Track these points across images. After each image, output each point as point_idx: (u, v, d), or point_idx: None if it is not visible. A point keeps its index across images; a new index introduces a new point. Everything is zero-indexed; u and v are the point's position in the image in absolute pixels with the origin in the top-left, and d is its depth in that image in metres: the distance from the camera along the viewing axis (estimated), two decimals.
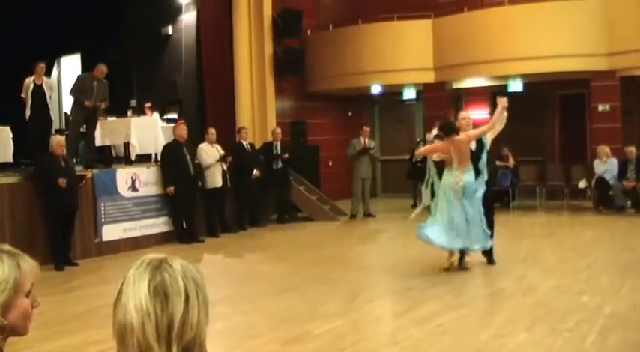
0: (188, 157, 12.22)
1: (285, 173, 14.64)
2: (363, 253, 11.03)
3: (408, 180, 16.95)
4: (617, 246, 10.28)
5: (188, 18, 15.85)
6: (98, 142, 12.62)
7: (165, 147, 12.27)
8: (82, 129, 11.89)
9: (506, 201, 15.89)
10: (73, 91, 11.67)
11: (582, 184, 15.05)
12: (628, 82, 15.34)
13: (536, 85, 16.67)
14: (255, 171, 13.70)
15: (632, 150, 14.33)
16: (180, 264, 1.65)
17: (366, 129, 15.52)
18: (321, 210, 14.97)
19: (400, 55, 16.58)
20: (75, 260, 10.26)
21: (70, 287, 8.66)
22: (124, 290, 1.60)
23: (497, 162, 15.93)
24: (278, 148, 14.54)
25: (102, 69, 11.56)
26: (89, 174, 10.99)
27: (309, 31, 17.82)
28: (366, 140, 15.30)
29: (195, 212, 12.38)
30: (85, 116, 11.64)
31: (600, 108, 14.96)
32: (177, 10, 15.91)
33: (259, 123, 15.55)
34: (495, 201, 16.23)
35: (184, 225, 12.22)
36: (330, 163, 18.10)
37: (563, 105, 17.32)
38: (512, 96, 17.16)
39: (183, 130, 12.29)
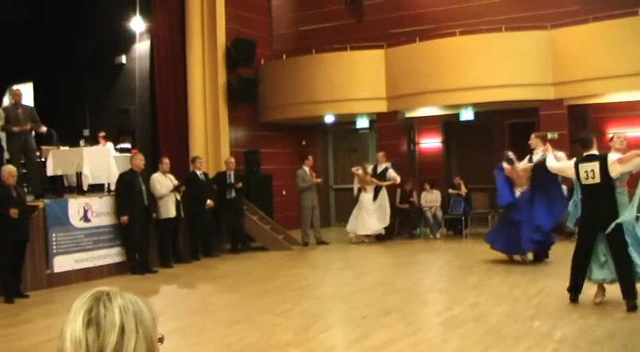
0: (143, 187, 12.13)
1: (239, 202, 14.59)
2: (316, 282, 10.98)
3: None
4: (567, 272, 10.31)
5: (142, 47, 15.80)
6: (50, 172, 12.47)
7: (121, 177, 12.13)
8: (22, 160, 11.62)
9: (459, 229, 16.10)
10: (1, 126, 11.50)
11: None
12: (575, 110, 15.58)
13: (487, 113, 16.88)
14: (208, 201, 13.64)
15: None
16: (124, 298, 1.66)
17: (311, 158, 15.91)
18: (274, 240, 14.92)
19: (353, 85, 16.64)
20: (25, 292, 10.04)
21: (19, 320, 8.47)
22: (66, 321, 1.62)
23: (450, 191, 16.15)
24: (232, 178, 14.50)
25: (17, 92, 11.63)
26: (41, 204, 10.84)
27: (262, 61, 17.87)
28: (311, 171, 15.61)
29: (148, 242, 12.25)
30: (20, 145, 11.39)
31: (549, 136, 15.13)
32: (130, 39, 15.85)
33: (213, 153, 15.48)
34: (448, 229, 16.49)
35: (137, 256, 12.10)
36: (284, 192, 18.10)
37: (513, 133, 17.55)
38: (464, 125, 17.57)
39: (140, 160, 12.20)
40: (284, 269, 12.45)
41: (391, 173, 15.56)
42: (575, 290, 8.21)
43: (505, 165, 11.39)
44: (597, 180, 7.83)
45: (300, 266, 12.82)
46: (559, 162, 8.91)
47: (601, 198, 7.83)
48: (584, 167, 7.94)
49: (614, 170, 7.69)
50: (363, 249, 14.95)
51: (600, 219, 7.81)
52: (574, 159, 8.32)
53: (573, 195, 8.45)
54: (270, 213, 15.88)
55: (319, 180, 15.84)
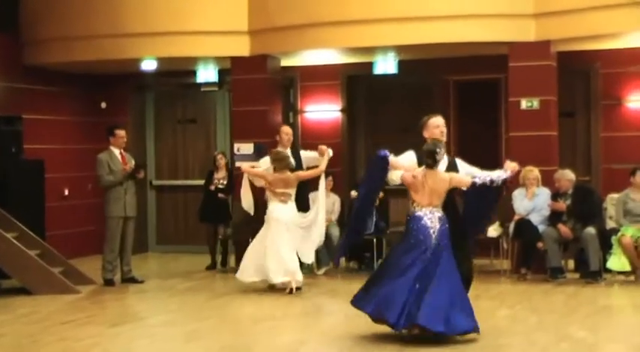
0: None
1: None
2: (114, 351, 10.67)
3: (202, 223, 17.28)
4: (550, 337, 10.46)
5: None
6: None
7: None
8: None
9: (368, 258, 16.14)
10: None
11: (494, 231, 15.27)
12: (571, 61, 15.85)
13: (420, 64, 17.20)
14: None
15: (568, 175, 14.52)
16: None
17: (120, 133, 15.46)
18: (46, 276, 14.55)
19: (192, 8, 16.65)
20: None
21: None
22: None
23: (354, 193, 15.88)
24: None
25: None
26: None
27: None
28: (124, 153, 15.41)
29: None
30: None
31: (524, 104, 15.20)
32: None
33: None
34: (350, 258, 16.27)
35: None
36: (67, 192, 18.26)
37: (463, 99, 17.50)
38: (381, 82, 17.39)
39: None
40: (59, 328, 11.96)
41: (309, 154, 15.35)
42: None
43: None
44: None
45: (90, 322, 12.41)
46: None
47: None
48: None
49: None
50: (203, 292, 14.95)
51: None
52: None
53: None
54: (39, 229, 15.79)
55: (135, 168, 15.56)
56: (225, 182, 16.74)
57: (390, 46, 16.12)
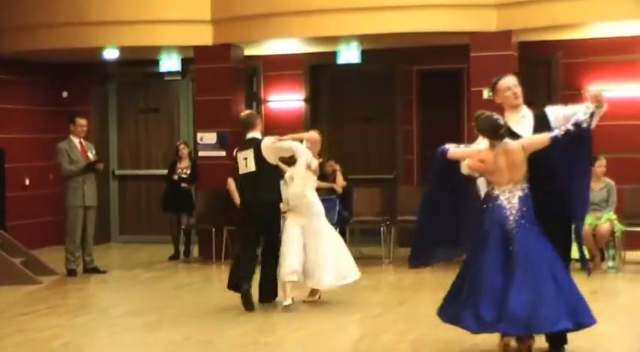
0: None
1: None
2: (77, 341, 10.59)
3: (166, 213, 17.33)
4: None
5: None
6: None
7: None
8: None
9: None
10: None
11: None
12: (532, 51, 15.96)
13: (383, 54, 17.19)
14: None
15: None
16: None
17: (80, 122, 15.42)
18: (7, 266, 14.49)
19: None
20: None
21: None
22: None
23: (317, 183, 15.83)
24: None
25: None
26: None
27: None
28: (84, 143, 15.30)
29: None
30: None
31: (486, 94, 15.17)
32: None
33: None
34: None
35: None
36: (28, 182, 18.17)
37: (426, 88, 17.53)
38: (344, 71, 17.41)
39: None
40: (20, 319, 11.95)
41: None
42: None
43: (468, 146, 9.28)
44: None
45: (51, 313, 12.34)
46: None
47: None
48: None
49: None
50: (166, 282, 14.87)
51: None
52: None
53: None
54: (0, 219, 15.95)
55: (97, 159, 15.58)
56: (188, 171, 16.75)
57: (353, 35, 16.05)
